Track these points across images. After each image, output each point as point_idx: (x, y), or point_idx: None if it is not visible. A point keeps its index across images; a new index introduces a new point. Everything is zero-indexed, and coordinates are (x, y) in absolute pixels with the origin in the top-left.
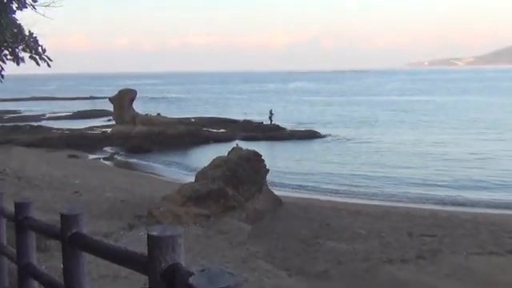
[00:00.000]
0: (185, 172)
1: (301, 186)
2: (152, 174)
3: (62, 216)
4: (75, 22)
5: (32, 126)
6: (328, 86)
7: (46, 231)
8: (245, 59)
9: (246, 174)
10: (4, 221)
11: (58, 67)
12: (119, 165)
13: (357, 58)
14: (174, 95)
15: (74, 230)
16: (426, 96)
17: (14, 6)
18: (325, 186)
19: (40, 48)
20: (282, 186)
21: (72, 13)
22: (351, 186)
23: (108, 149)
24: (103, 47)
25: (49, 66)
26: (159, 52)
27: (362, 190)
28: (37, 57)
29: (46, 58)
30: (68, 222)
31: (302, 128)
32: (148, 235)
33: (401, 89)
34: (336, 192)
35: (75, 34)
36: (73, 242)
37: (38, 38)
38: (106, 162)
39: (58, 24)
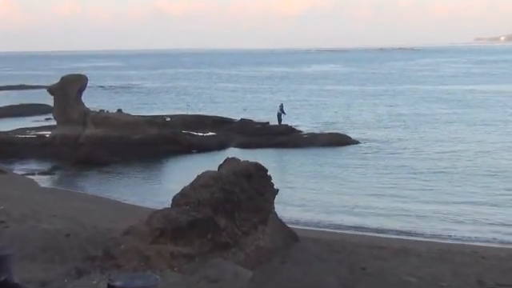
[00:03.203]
0: (157, 194)
1: (324, 214)
2: (109, 196)
3: None
4: None
5: None
6: (362, 70)
7: None
8: (240, 33)
9: (246, 196)
10: None
11: None
12: (62, 183)
13: (406, 31)
14: (140, 83)
15: (2, 278)
16: (501, 85)
17: None
18: (358, 216)
19: None
20: (297, 214)
21: None
22: (395, 215)
23: (46, 160)
24: (38, 16)
25: None
26: (118, 23)
27: (411, 221)
28: None
29: None
30: None
31: (324, 130)
32: (109, 286)
33: (467, 74)
34: (373, 224)
35: None
36: None
37: None
38: (44, 179)
39: None
